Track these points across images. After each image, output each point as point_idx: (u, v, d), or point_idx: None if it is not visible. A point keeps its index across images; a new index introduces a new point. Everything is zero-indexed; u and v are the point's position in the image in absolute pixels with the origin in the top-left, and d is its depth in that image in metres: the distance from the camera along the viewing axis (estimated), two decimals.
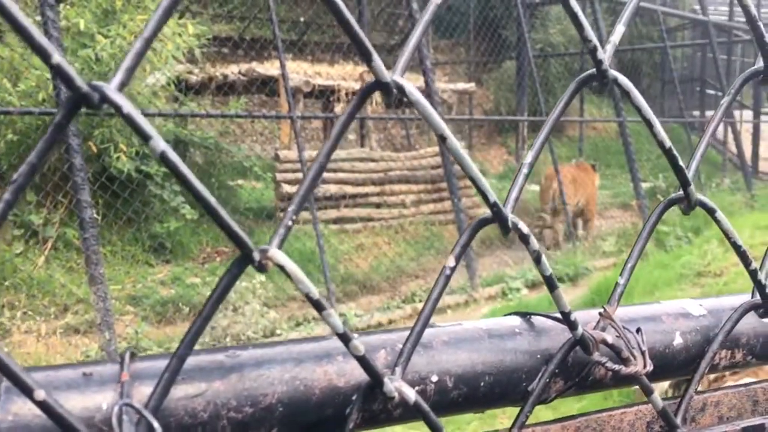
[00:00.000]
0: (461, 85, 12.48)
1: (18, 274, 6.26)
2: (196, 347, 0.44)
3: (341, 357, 0.51)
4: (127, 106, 0.36)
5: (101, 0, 7.09)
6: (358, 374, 0.50)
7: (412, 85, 0.46)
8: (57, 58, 0.34)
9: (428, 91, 7.99)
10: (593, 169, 10.51)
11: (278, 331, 6.15)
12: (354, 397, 0.50)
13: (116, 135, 6.94)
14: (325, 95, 9.96)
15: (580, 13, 0.53)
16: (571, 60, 16.49)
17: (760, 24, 0.63)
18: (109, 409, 0.43)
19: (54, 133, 0.36)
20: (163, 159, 0.37)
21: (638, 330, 0.61)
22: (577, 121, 13.81)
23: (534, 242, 0.53)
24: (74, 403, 0.42)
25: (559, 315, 0.57)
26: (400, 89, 0.45)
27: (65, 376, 0.43)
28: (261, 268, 0.41)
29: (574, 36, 15.95)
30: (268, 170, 9.44)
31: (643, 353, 0.59)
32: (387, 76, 0.45)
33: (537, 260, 0.53)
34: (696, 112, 17.41)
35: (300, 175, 8.27)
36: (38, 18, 5.38)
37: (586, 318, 0.60)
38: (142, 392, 0.44)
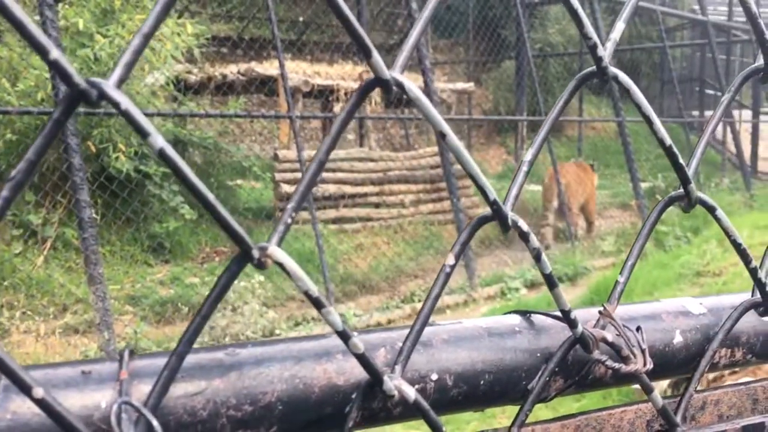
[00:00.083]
0: (460, 85, 12.48)
1: (17, 274, 6.25)
2: (195, 346, 0.44)
3: (341, 355, 0.50)
4: (126, 103, 0.36)
5: (100, 0, 7.09)
6: (358, 372, 0.50)
7: (411, 82, 0.46)
8: (55, 53, 0.34)
9: (427, 91, 7.98)
10: (591, 169, 10.52)
11: (277, 331, 6.15)
12: (353, 396, 0.50)
13: (115, 135, 6.94)
14: (324, 95, 9.95)
15: (580, 10, 0.53)
16: (570, 60, 16.49)
17: (761, 21, 0.63)
18: (108, 408, 0.43)
19: (52, 129, 0.36)
20: (161, 155, 0.37)
21: (638, 328, 0.61)
22: (576, 120, 13.81)
23: (534, 240, 0.52)
24: (73, 402, 0.42)
25: (558, 313, 0.57)
26: (400, 86, 0.45)
27: (64, 374, 0.43)
28: (260, 266, 0.41)
29: (573, 36, 15.97)
30: (267, 170, 9.44)
31: (643, 351, 0.59)
32: (387, 73, 0.45)
33: (537, 258, 0.53)
34: (695, 112, 17.42)
35: (299, 174, 8.27)
36: (37, 17, 5.37)
37: (586, 316, 0.60)
38: (141, 390, 0.44)
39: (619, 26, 0.58)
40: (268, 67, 9.43)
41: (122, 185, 7.03)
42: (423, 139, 12.96)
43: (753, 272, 0.68)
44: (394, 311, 6.98)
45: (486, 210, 0.52)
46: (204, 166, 9.21)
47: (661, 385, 2.89)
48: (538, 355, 0.58)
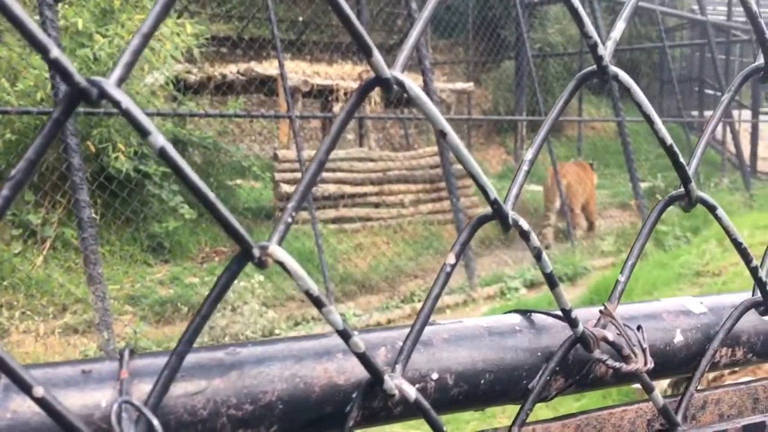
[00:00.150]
0: (460, 85, 12.48)
1: (16, 274, 6.25)
2: (195, 346, 0.44)
3: (341, 354, 0.50)
4: (126, 101, 0.36)
5: (99, 0, 7.09)
6: (359, 372, 0.50)
7: (411, 81, 0.46)
8: (55, 52, 0.34)
9: (427, 91, 7.98)
10: (591, 168, 10.52)
11: (277, 331, 6.15)
12: (354, 395, 0.50)
13: (115, 135, 6.94)
14: (323, 95, 9.95)
15: (580, 9, 0.53)
16: (570, 60, 16.50)
17: (761, 20, 0.62)
18: (108, 407, 0.42)
19: (52, 128, 0.36)
20: (162, 154, 0.37)
21: (639, 327, 0.61)
22: (575, 120, 13.82)
23: (534, 239, 0.52)
24: (73, 401, 0.42)
25: (559, 312, 0.57)
26: (401, 85, 0.45)
27: (64, 373, 0.43)
28: (261, 265, 0.41)
29: (573, 36, 15.98)
30: (267, 170, 9.44)
31: (643, 351, 0.59)
32: (387, 71, 0.45)
33: (538, 257, 0.53)
34: (694, 112, 17.42)
35: (299, 174, 8.27)
36: (36, 17, 5.37)
37: (587, 316, 0.60)
38: (142, 390, 0.44)
39: (620, 25, 0.57)
40: (268, 67, 9.43)
41: (122, 185, 7.03)
42: (422, 139, 12.96)
43: (753, 271, 0.68)
44: (393, 311, 6.98)
45: (486, 209, 0.52)
46: (204, 166, 9.21)
47: (661, 385, 2.89)
48: (539, 354, 0.58)
